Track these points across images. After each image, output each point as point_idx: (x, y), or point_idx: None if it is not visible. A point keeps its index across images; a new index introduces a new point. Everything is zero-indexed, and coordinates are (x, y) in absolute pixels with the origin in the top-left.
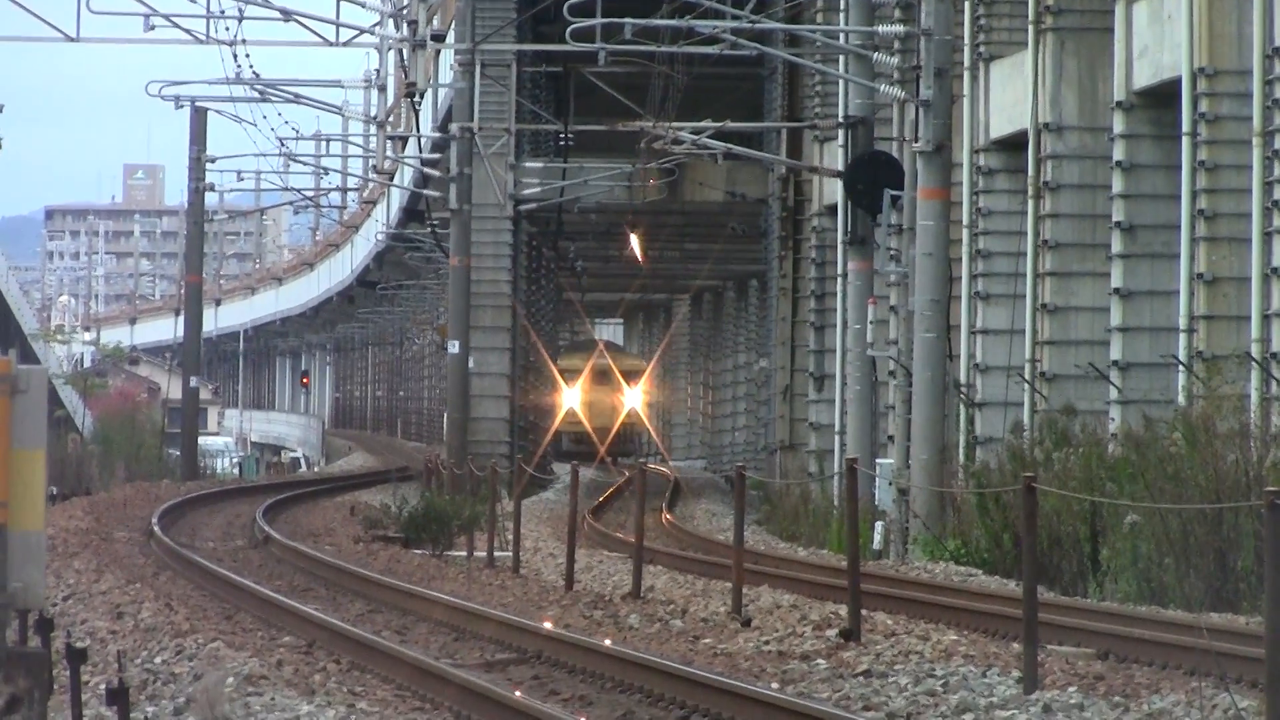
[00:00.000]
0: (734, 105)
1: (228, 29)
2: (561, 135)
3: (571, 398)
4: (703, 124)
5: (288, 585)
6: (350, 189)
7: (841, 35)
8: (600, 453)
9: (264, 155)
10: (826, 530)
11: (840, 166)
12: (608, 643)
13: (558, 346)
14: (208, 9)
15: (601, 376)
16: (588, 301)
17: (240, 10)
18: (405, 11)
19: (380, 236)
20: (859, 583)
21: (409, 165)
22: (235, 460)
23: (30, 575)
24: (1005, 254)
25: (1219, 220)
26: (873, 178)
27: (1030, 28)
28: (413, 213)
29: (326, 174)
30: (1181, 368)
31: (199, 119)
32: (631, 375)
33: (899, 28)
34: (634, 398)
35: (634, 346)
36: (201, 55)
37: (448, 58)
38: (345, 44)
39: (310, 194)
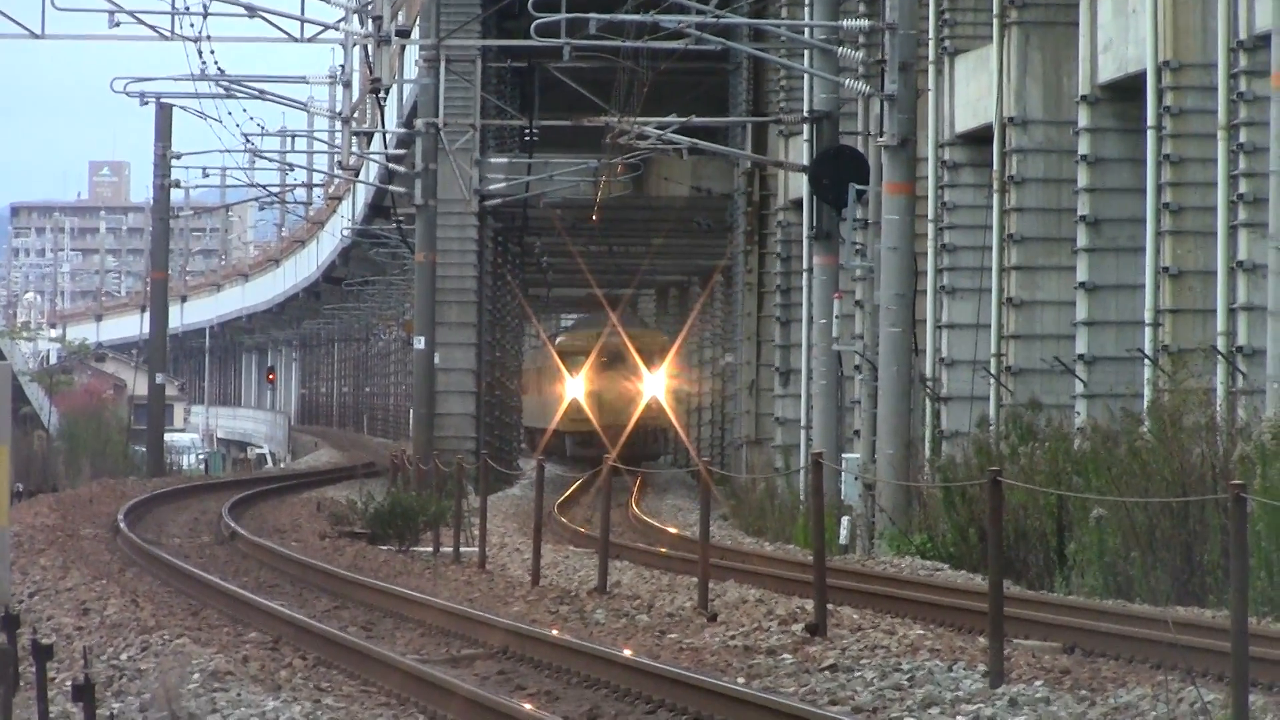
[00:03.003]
0: (699, 100)
1: (193, 25)
2: (526, 131)
3: (575, 388)
4: (668, 119)
5: (254, 581)
6: (316, 185)
7: (806, 30)
8: (612, 456)
9: (229, 151)
10: (793, 525)
11: (805, 161)
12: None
13: (551, 334)
14: (173, 5)
15: (614, 359)
16: (553, 296)
17: (205, 6)
18: (370, 7)
19: (346, 233)
20: (825, 577)
21: (374, 161)
22: (201, 456)
23: None
24: (970, 248)
25: (1184, 214)
26: (838, 172)
27: (995, 22)
28: (378, 209)
29: (292, 170)
30: (1147, 362)
31: (164, 115)
32: (653, 356)
33: (864, 22)
34: (656, 385)
35: None
36: (167, 52)
37: (413, 53)
38: (310, 40)
39: (276, 190)
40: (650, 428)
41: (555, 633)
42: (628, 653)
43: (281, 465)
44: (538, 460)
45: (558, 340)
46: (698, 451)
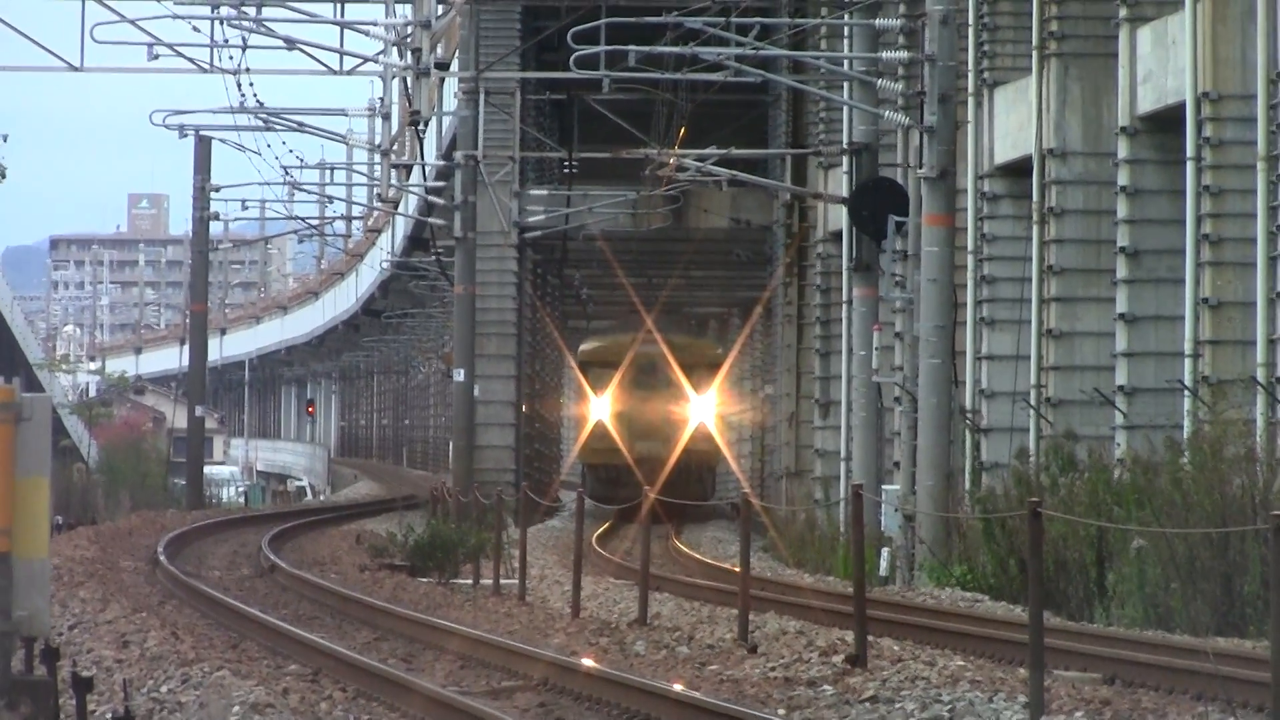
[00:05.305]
0: (738, 132)
1: (231, 58)
2: (566, 163)
3: (600, 408)
4: (707, 151)
5: (294, 614)
6: (355, 217)
7: (846, 62)
8: (649, 497)
9: (268, 184)
10: (833, 556)
11: (845, 193)
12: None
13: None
14: (211, 38)
15: (651, 373)
16: (592, 329)
17: (244, 39)
18: (409, 40)
19: (385, 265)
20: (865, 608)
21: (413, 193)
22: (241, 489)
23: (35, 603)
24: (1010, 279)
25: (1224, 245)
26: (877, 204)
27: (1034, 53)
28: (417, 241)
29: (331, 202)
30: (1187, 393)
31: (203, 148)
32: (701, 372)
33: (903, 54)
34: (705, 408)
35: None
36: (205, 84)
37: (452, 86)
38: (349, 73)
39: (315, 223)
40: (697, 462)
41: (595, 664)
42: (670, 685)
43: (321, 498)
44: (578, 491)
45: (580, 349)
46: (750, 486)
